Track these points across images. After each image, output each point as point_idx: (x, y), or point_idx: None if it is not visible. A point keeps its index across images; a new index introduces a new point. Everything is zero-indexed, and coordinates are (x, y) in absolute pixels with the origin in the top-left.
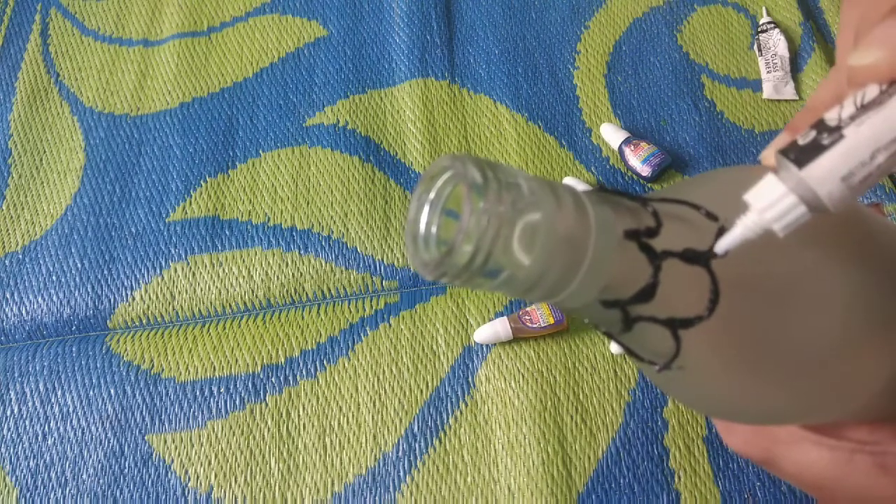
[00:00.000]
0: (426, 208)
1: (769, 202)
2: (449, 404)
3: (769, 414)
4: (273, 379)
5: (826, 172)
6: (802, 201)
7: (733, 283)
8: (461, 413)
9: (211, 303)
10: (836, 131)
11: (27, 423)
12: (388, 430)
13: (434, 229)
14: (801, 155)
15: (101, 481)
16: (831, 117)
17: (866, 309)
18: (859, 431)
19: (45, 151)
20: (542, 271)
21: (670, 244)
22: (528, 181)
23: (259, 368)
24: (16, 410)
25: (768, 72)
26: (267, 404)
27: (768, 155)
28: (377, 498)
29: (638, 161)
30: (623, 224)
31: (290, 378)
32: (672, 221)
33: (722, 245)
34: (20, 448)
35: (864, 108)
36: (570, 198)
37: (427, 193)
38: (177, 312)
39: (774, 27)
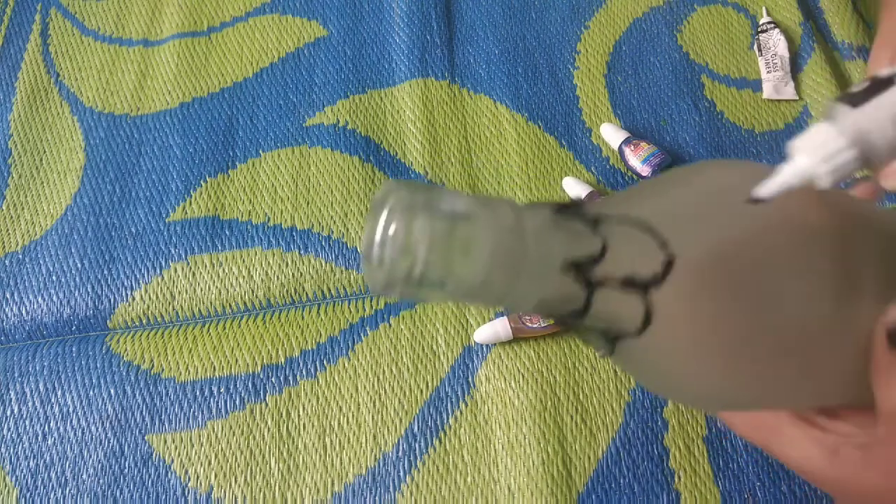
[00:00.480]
0: (375, 231)
1: (818, 143)
2: (449, 404)
3: (730, 401)
4: (273, 379)
5: (879, 112)
6: (854, 145)
7: (703, 267)
8: (461, 413)
9: (211, 303)
10: (889, 81)
11: (27, 423)
12: (388, 430)
13: (378, 249)
14: (854, 98)
15: (101, 481)
16: (884, 72)
17: (837, 296)
18: (846, 423)
19: (45, 151)
20: (483, 280)
21: (612, 268)
22: (461, 197)
23: (259, 368)
24: (16, 410)
25: (768, 72)
26: (267, 404)
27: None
28: (377, 498)
29: (638, 161)
30: (566, 249)
31: (290, 378)
32: (621, 244)
33: (765, 190)
34: (20, 448)
35: None
36: (510, 216)
37: (375, 219)
38: (177, 312)
39: (774, 27)
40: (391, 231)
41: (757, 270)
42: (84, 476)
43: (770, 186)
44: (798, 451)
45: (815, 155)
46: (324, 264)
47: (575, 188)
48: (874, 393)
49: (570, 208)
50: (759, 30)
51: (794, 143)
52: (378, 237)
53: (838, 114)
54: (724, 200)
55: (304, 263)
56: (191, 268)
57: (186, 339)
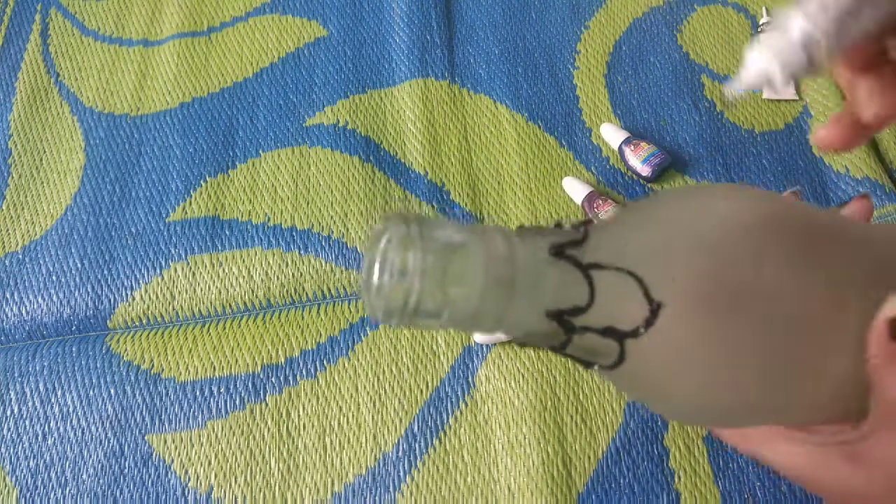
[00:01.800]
0: (372, 262)
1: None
2: (449, 404)
3: (716, 421)
4: (273, 379)
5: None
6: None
7: (686, 311)
8: (461, 413)
9: (211, 303)
10: None
11: (27, 423)
12: (388, 430)
13: (375, 280)
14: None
15: (101, 481)
16: None
17: (817, 316)
18: (829, 427)
19: (45, 151)
20: (475, 311)
21: (596, 314)
22: (455, 229)
23: (259, 368)
24: (16, 410)
25: None
26: (267, 404)
27: (821, 135)
28: (377, 498)
29: (638, 161)
30: (553, 292)
31: (290, 378)
32: (609, 291)
33: (734, 88)
34: (20, 448)
35: None
36: (503, 245)
37: (372, 251)
38: (177, 312)
39: None
40: (387, 263)
41: (739, 299)
42: (84, 476)
43: (739, 81)
44: (784, 454)
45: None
46: (324, 264)
47: (575, 188)
48: (872, 384)
49: (564, 247)
50: (760, 30)
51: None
52: (375, 268)
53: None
54: (708, 232)
55: (304, 263)
56: (191, 268)
57: (186, 339)
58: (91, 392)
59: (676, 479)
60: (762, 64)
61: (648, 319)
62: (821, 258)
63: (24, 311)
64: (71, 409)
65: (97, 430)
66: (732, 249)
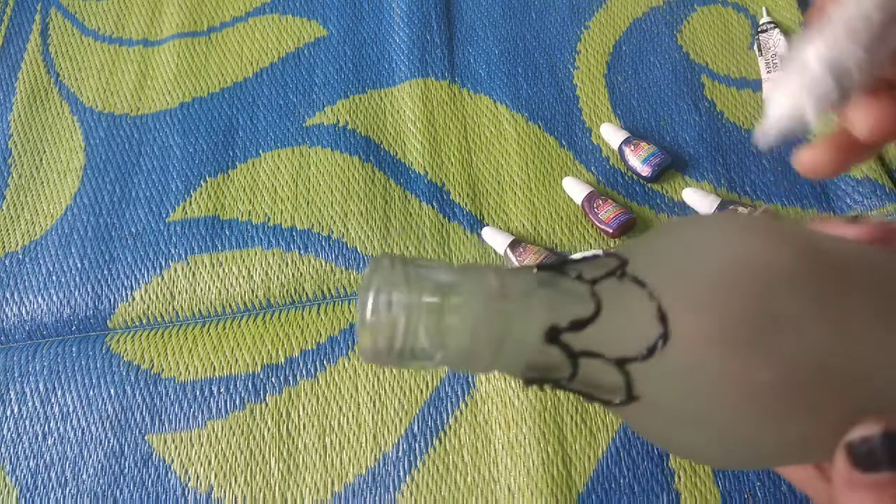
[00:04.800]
0: (363, 307)
1: (795, 80)
2: (449, 404)
3: (736, 456)
4: (273, 379)
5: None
6: (826, 70)
7: (684, 323)
8: (461, 413)
9: (211, 303)
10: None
11: (27, 423)
12: (388, 430)
13: (367, 324)
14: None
15: (101, 481)
16: None
17: (834, 351)
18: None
19: (45, 151)
20: (469, 351)
21: (603, 332)
22: (445, 270)
23: (259, 368)
24: (16, 410)
25: (768, 72)
26: (267, 404)
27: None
28: (377, 498)
29: (638, 161)
30: (551, 312)
31: (290, 378)
32: (615, 309)
33: (765, 132)
34: (20, 448)
35: None
36: (492, 281)
37: (366, 292)
38: (177, 312)
39: (774, 27)
40: (376, 307)
41: (755, 329)
42: (84, 476)
43: (768, 127)
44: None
45: (794, 88)
46: (324, 264)
47: (575, 188)
48: (832, 499)
49: (559, 267)
50: (760, 30)
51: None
52: (366, 313)
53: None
54: (738, 266)
55: (304, 263)
56: (191, 268)
57: (186, 339)
58: (91, 392)
59: (676, 479)
60: (791, 100)
61: (656, 344)
62: (847, 301)
63: (24, 311)
64: (71, 409)
65: (97, 430)
66: (760, 287)
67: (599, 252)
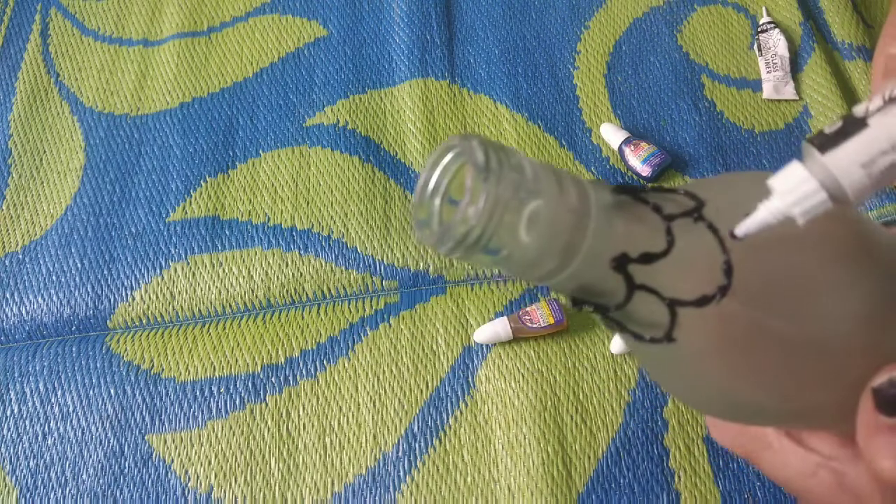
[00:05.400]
0: (436, 181)
1: (791, 186)
2: (449, 404)
3: (750, 413)
4: (273, 379)
5: (847, 158)
6: (823, 187)
7: (740, 277)
8: (461, 413)
9: (211, 303)
10: (862, 122)
11: (27, 423)
12: (388, 430)
13: (438, 202)
14: (825, 141)
15: (101, 481)
16: (859, 110)
17: (864, 318)
18: (829, 445)
19: (45, 151)
20: (537, 256)
21: (667, 270)
22: (532, 166)
23: (259, 368)
24: (16, 410)
25: (768, 72)
26: (267, 404)
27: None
28: (377, 498)
29: (638, 161)
30: (625, 239)
31: (290, 378)
32: (682, 250)
33: (742, 228)
34: (20, 448)
35: (890, 101)
36: (574, 190)
37: (433, 169)
38: (177, 312)
39: (774, 27)
40: (448, 184)
41: (793, 289)
42: (84, 476)
43: (748, 225)
44: (780, 465)
45: (787, 197)
46: (324, 264)
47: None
48: (860, 449)
49: (638, 191)
50: (759, 30)
51: (770, 181)
52: (438, 187)
53: (809, 155)
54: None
55: (304, 263)
56: (191, 268)
57: (186, 339)
58: (91, 392)
59: (676, 479)
60: (779, 207)
61: (719, 292)
62: (875, 270)
63: (24, 311)
64: (71, 409)
65: (97, 430)
66: (801, 247)
67: (679, 189)
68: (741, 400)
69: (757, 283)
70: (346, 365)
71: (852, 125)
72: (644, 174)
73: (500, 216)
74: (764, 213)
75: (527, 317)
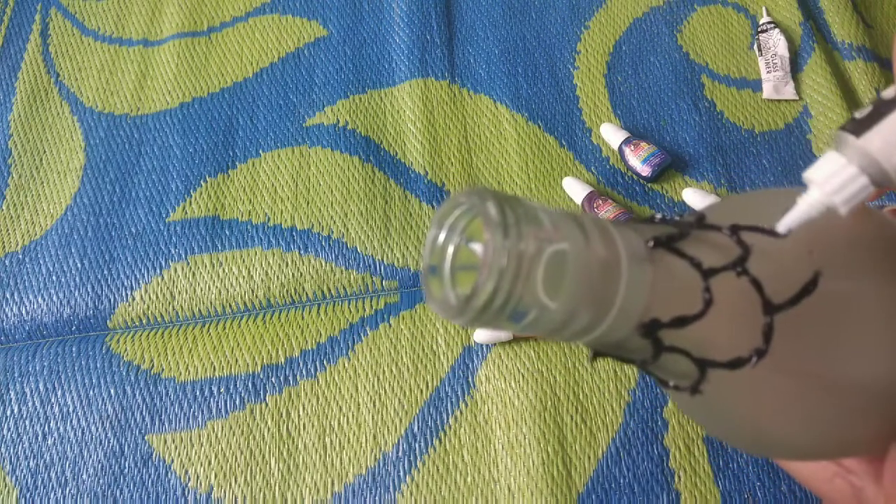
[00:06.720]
0: (440, 247)
1: (829, 175)
2: (449, 404)
3: (780, 452)
4: (273, 379)
5: (884, 139)
6: (863, 171)
7: (779, 337)
8: (461, 413)
9: (211, 303)
10: (892, 102)
11: (27, 423)
12: (388, 430)
13: (448, 267)
14: (858, 126)
15: (101, 481)
16: (888, 93)
17: None
18: (853, 459)
19: (45, 151)
20: (570, 311)
21: (690, 333)
22: (548, 214)
23: (259, 368)
24: (16, 410)
25: (768, 72)
26: (267, 404)
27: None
28: (377, 498)
29: (638, 161)
30: (657, 302)
31: (290, 378)
32: (719, 308)
33: (784, 224)
34: (20, 448)
35: None
36: (598, 232)
37: (441, 231)
38: (177, 312)
39: (774, 27)
40: (457, 248)
41: (831, 338)
42: (84, 476)
43: (789, 220)
44: (800, 464)
45: (827, 186)
46: (324, 264)
47: (575, 188)
48: (884, 476)
49: (674, 239)
50: (759, 30)
51: (807, 173)
52: (445, 251)
53: (844, 142)
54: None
55: (304, 263)
56: (191, 268)
57: (186, 339)
58: (91, 392)
59: (676, 479)
60: (820, 197)
61: (755, 356)
62: None
63: (24, 311)
64: (71, 409)
65: (97, 430)
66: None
67: (724, 228)
68: (771, 442)
69: (795, 341)
70: (346, 365)
71: (884, 106)
72: (644, 174)
73: (526, 274)
74: (804, 206)
75: None
